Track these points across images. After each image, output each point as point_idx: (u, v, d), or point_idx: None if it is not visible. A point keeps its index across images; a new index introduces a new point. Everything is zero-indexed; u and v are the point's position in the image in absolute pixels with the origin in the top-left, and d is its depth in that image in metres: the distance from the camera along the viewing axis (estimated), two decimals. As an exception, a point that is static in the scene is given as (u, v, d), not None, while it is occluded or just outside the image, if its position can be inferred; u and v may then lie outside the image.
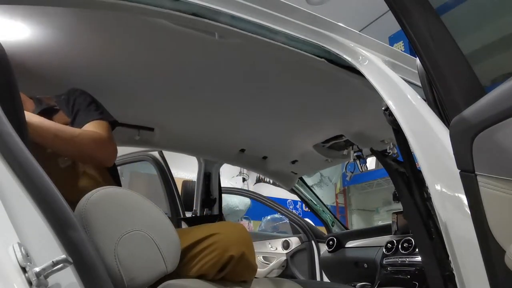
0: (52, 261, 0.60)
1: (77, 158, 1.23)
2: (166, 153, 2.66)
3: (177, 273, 1.07)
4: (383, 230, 2.46)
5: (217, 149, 2.26)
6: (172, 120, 1.92)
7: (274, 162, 2.40)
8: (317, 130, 2.00)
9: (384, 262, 2.19)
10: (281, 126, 1.97)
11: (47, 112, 1.29)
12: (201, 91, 1.63)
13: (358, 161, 2.08)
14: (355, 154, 2.08)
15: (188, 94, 1.65)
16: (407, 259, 2.06)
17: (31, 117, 1.13)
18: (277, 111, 1.80)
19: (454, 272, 0.83)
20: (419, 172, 1.01)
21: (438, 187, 0.88)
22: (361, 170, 2.19)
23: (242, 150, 2.27)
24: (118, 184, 1.38)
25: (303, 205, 5.32)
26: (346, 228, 3.03)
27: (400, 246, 2.13)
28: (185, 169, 4.29)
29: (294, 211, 4.18)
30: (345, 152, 2.11)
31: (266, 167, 2.44)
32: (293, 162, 2.36)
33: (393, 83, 1.10)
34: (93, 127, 1.23)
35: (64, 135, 1.17)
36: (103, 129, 1.24)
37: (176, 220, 2.58)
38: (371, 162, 5.73)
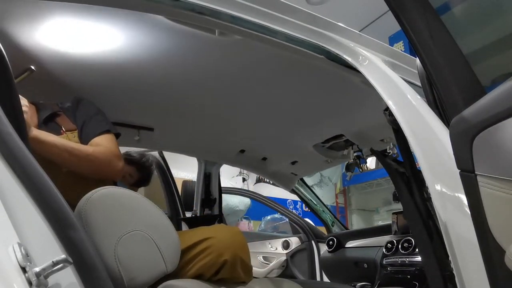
0: (52, 261, 0.60)
1: (89, 174, 1.25)
2: (166, 153, 2.67)
3: (175, 274, 1.08)
4: (383, 230, 2.46)
5: (217, 150, 2.25)
6: (171, 120, 1.92)
7: (273, 163, 2.39)
8: (317, 130, 2.00)
9: (384, 262, 2.19)
10: (280, 126, 1.97)
11: (53, 118, 1.31)
12: (201, 92, 1.63)
13: (357, 161, 2.08)
14: (355, 154, 2.08)
15: (188, 94, 1.65)
16: (407, 259, 2.06)
17: (46, 136, 1.15)
18: (277, 111, 1.80)
19: (454, 272, 0.83)
20: (419, 172, 1.01)
21: (438, 187, 0.88)
22: (360, 171, 2.19)
23: (242, 151, 2.27)
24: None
25: (303, 205, 5.32)
26: (346, 228, 3.03)
27: (400, 246, 2.13)
28: (185, 169, 4.29)
29: (294, 211, 4.18)
30: (345, 152, 2.10)
31: (265, 168, 2.43)
32: (293, 163, 2.35)
33: (393, 83, 1.10)
34: (102, 141, 1.26)
35: (78, 153, 1.19)
36: (112, 143, 1.28)
37: (176, 220, 2.58)
38: (371, 162, 5.73)
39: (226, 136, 2.10)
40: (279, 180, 2.58)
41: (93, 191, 0.92)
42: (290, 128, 1.99)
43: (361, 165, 2.18)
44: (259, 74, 1.51)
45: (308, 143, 2.10)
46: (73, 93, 1.40)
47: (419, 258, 1.98)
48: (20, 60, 1.36)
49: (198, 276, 1.14)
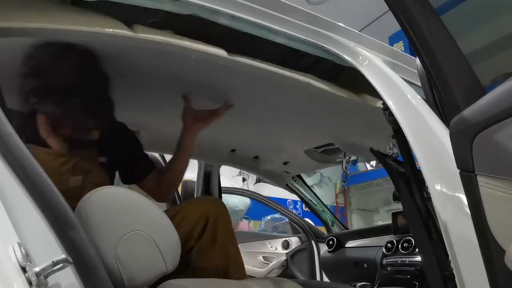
0: (52, 261, 0.60)
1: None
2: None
3: None
4: (383, 230, 2.46)
5: (207, 150, 2.20)
6: (157, 121, 1.84)
7: (265, 162, 2.36)
8: (307, 137, 1.96)
9: (384, 262, 2.19)
10: (271, 129, 1.91)
11: None
12: (186, 91, 1.55)
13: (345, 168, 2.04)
14: (350, 160, 2.03)
15: (173, 94, 1.56)
16: (407, 259, 2.06)
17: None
18: (266, 116, 1.75)
19: (454, 272, 0.83)
20: (419, 172, 1.01)
21: (438, 187, 0.88)
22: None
23: (233, 150, 2.23)
24: None
25: (303, 205, 5.32)
26: (346, 228, 3.03)
27: (400, 246, 2.13)
28: (185, 169, 4.27)
29: (294, 211, 4.18)
30: (338, 158, 2.06)
31: (258, 167, 2.40)
32: (285, 163, 2.32)
33: (393, 83, 1.10)
34: None
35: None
36: None
37: (176, 220, 2.58)
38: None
39: (216, 136, 2.04)
40: (272, 178, 2.56)
41: (92, 191, 0.92)
42: (280, 131, 1.95)
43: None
44: (250, 80, 1.46)
45: (299, 148, 2.06)
46: None
47: (419, 258, 1.98)
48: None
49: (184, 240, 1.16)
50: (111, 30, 0.97)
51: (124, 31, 0.99)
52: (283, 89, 1.42)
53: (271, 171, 2.46)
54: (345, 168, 2.03)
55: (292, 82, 1.24)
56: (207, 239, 1.26)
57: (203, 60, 1.15)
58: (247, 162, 2.37)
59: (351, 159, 2.05)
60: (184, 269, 1.23)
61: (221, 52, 1.11)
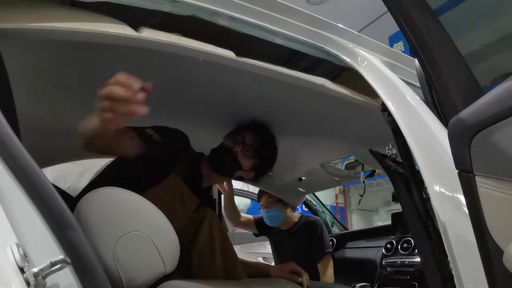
0: (50, 262, 0.60)
1: None
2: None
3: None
4: (383, 230, 2.47)
5: None
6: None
7: (279, 179, 2.26)
8: (322, 149, 1.89)
9: (383, 262, 2.19)
10: (285, 142, 1.76)
11: None
12: (193, 103, 1.52)
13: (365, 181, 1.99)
14: (367, 173, 1.98)
15: (181, 107, 1.54)
16: (407, 260, 2.06)
17: None
18: (279, 129, 1.66)
19: (453, 272, 0.84)
20: (418, 173, 1.01)
21: (437, 188, 0.88)
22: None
23: None
24: None
25: (303, 205, 5.32)
26: (346, 229, 3.04)
27: (399, 247, 2.14)
28: (185, 169, 4.26)
29: (294, 211, 4.17)
30: (356, 170, 2.00)
31: (271, 183, 2.31)
32: (300, 179, 2.24)
33: (392, 83, 1.10)
34: None
35: None
36: None
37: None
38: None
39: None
40: (286, 196, 2.46)
41: (93, 191, 0.92)
42: (294, 144, 1.83)
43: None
44: (261, 94, 1.42)
45: (315, 161, 2.00)
46: None
47: (418, 259, 1.99)
48: None
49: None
50: (115, 31, 0.93)
51: (128, 32, 0.95)
52: (294, 96, 1.37)
53: (285, 188, 2.38)
54: (364, 181, 1.98)
55: (305, 84, 1.18)
56: (205, 238, 1.26)
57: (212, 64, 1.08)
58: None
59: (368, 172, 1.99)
60: (185, 269, 1.22)
61: (229, 54, 1.06)
